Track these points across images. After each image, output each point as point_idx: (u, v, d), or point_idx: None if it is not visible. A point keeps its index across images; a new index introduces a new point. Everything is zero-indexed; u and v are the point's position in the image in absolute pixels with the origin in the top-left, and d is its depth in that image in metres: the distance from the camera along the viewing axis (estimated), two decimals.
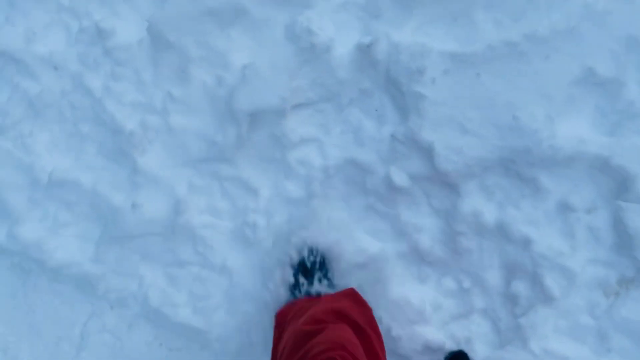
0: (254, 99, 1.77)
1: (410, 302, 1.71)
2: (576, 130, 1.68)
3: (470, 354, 1.70)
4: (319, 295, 1.60)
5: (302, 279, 1.66)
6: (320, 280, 1.67)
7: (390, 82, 1.79)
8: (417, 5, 1.81)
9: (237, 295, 1.73)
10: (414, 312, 1.71)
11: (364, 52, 1.78)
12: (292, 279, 1.67)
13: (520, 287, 1.67)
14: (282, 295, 1.69)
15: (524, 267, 1.67)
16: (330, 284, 1.70)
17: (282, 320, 1.54)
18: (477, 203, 1.71)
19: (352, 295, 1.56)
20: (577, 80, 1.69)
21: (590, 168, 1.67)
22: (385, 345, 1.50)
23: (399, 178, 1.75)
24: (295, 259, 1.69)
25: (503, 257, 1.70)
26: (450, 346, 1.72)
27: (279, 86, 1.77)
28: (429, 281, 1.76)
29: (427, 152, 1.72)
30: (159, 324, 1.81)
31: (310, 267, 1.68)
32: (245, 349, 1.74)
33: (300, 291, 1.67)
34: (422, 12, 1.82)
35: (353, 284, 1.69)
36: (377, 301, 1.67)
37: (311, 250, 1.71)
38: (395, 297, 1.70)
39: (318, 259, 1.72)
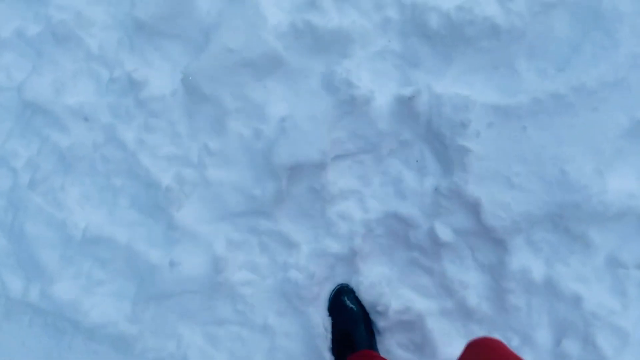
0: (294, 152, 1.73)
1: None
2: (626, 184, 1.64)
3: None
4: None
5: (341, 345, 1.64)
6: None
7: (432, 134, 1.75)
8: (457, 54, 1.78)
9: (280, 356, 1.69)
10: None
11: (405, 103, 1.75)
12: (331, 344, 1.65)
13: (571, 347, 1.63)
14: (326, 357, 1.65)
15: (575, 326, 1.63)
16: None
17: None
18: (525, 259, 1.67)
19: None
20: (626, 132, 1.66)
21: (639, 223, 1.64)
22: None
23: (444, 233, 1.71)
24: (339, 320, 1.66)
25: (553, 315, 1.66)
26: None
27: (318, 139, 1.73)
28: None
29: (473, 208, 1.68)
30: None
31: (352, 327, 1.65)
32: None
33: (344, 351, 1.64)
34: (462, 61, 1.78)
35: (399, 343, 1.65)
36: None
37: (352, 309, 1.68)
38: (443, 357, 1.65)
39: (361, 317, 1.68)
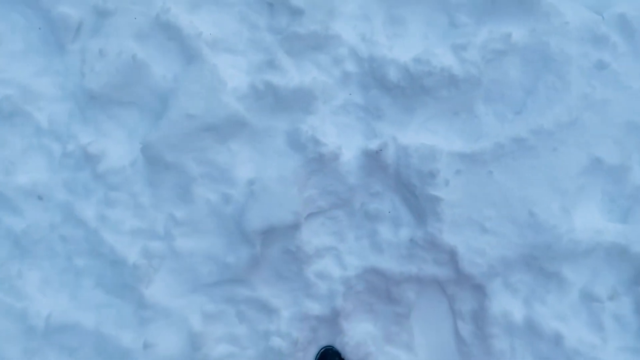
0: (266, 215, 1.69)
1: None
2: (591, 220, 1.70)
3: None
4: None
5: None
6: None
7: (402, 185, 1.76)
8: (418, 104, 1.81)
9: None
10: None
11: (373, 157, 1.75)
12: None
13: None
14: None
15: None
16: None
17: None
18: (505, 302, 1.70)
19: None
20: (586, 170, 1.72)
21: (608, 256, 1.69)
22: None
23: (423, 284, 1.70)
24: None
25: (536, 356, 1.67)
26: None
27: (289, 200, 1.70)
28: None
29: (450, 256, 1.69)
30: None
31: None
32: None
33: None
34: (423, 110, 1.82)
35: None
36: None
37: None
38: None
39: None
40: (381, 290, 1.75)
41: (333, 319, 1.71)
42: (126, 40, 1.84)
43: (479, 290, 1.70)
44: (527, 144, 1.71)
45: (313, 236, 1.77)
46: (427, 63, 1.75)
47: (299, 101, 1.80)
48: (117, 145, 1.82)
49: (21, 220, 1.77)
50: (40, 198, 1.78)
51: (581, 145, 1.72)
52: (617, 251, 1.68)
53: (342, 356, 1.68)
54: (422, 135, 1.79)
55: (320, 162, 1.74)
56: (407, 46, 1.85)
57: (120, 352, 1.66)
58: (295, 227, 1.72)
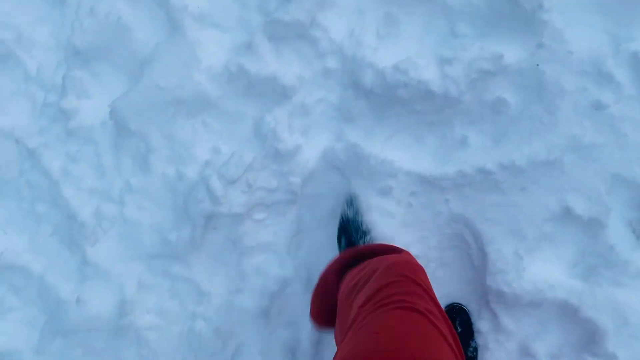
0: (213, 200, 1.68)
1: None
2: (546, 272, 1.57)
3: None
4: None
5: None
6: None
7: (355, 193, 1.69)
8: (391, 113, 1.71)
9: None
10: None
11: (330, 160, 1.68)
12: None
13: None
14: None
15: None
16: None
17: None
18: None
19: None
20: (554, 217, 1.57)
21: (559, 314, 1.56)
22: None
23: None
24: None
25: None
26: None
27: (239, 188, 1.68)
28: None
29: None
30: None
31: None
32: None
33: None
34: (395, 120, 1.72)
35: None
36: None
37: None
38: None
39: None
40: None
41: (260, 316, 1.70)
42: (118, 1, 1.85)
43: None
44: (493, 178, 1.58)
45: (257, 230, 1.75)
46: (404, 73, 1.64)
47: (271, 90, 1.76)
48: (92, 104, 1.87)
49: None
50: (17, 142, 1.88)
51: (554, 190, 1.57)
52: (570, 311, 1.54)
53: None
54: (387, 147, 1.70)
55: (276, 157, 1.70)
56: (394, 50, 1.74)
57: (57, 302, 1.75)
58: (239, 216, 1.70)
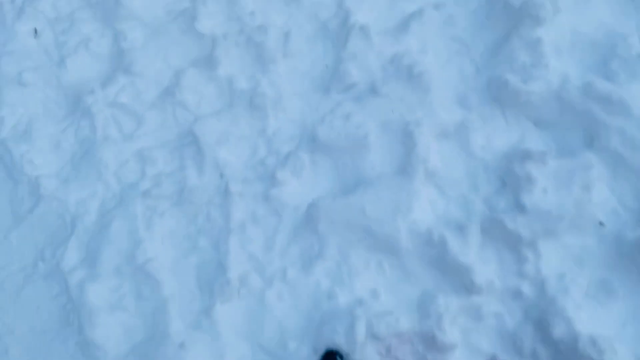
0: (349, 340, 1.63)
1: None
2: None
3: None
4: None
5: None
6: None
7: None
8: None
9: None
10: None
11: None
12: None
13: None
14: None
15: None
16: None
17: None
18: None
19: None
20: None
21: None
22: None
23: None
24: None
25: None
26: None
27: (377, 347, 1.63)
28: None
29: None
30: None
31: None
32: None
33: None
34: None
35: None
36: None
37: None
38: None
39: None
40: None
41: None
42: (370, 121, 1.99)
43: None
44: None
45: None
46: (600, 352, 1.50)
47: (457, 278, 1.72)
48: (298, 185, 1.97)
49: None
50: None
51: None
52: None
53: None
54: None
55: (428, 342, 1.63)
56: (597, 316, 1.62)
57: (162, 336, 1.78)
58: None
